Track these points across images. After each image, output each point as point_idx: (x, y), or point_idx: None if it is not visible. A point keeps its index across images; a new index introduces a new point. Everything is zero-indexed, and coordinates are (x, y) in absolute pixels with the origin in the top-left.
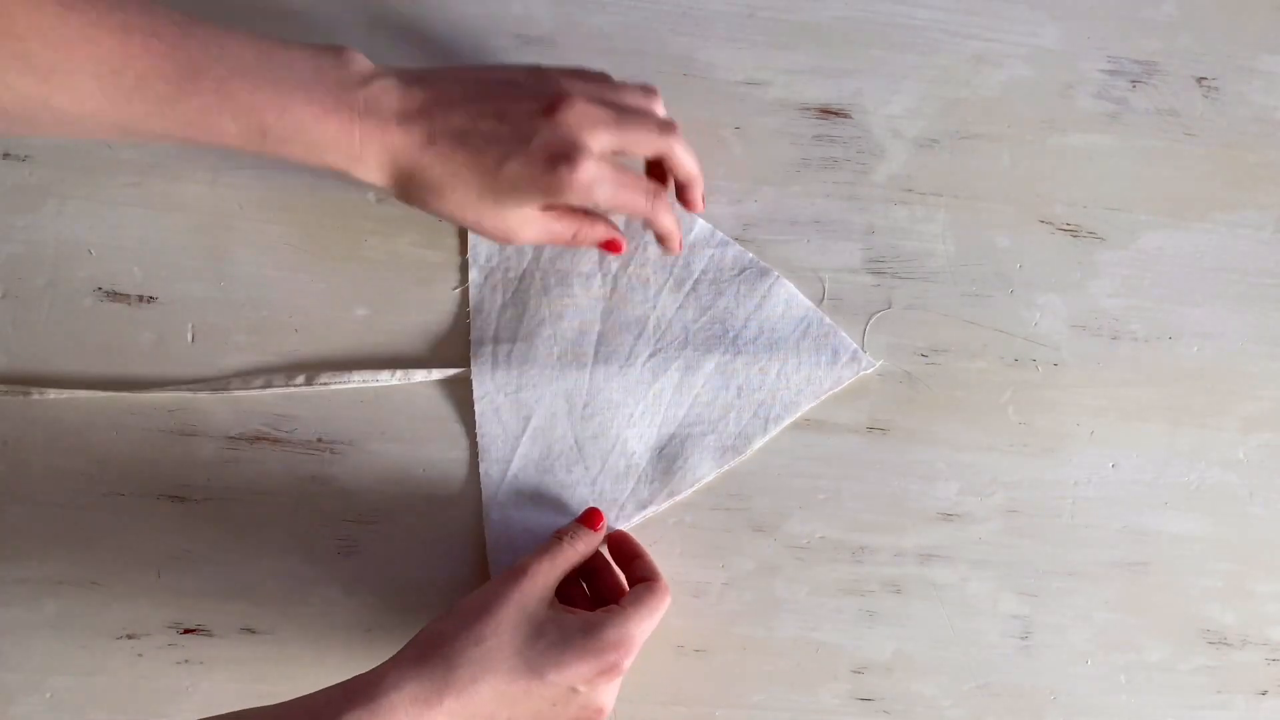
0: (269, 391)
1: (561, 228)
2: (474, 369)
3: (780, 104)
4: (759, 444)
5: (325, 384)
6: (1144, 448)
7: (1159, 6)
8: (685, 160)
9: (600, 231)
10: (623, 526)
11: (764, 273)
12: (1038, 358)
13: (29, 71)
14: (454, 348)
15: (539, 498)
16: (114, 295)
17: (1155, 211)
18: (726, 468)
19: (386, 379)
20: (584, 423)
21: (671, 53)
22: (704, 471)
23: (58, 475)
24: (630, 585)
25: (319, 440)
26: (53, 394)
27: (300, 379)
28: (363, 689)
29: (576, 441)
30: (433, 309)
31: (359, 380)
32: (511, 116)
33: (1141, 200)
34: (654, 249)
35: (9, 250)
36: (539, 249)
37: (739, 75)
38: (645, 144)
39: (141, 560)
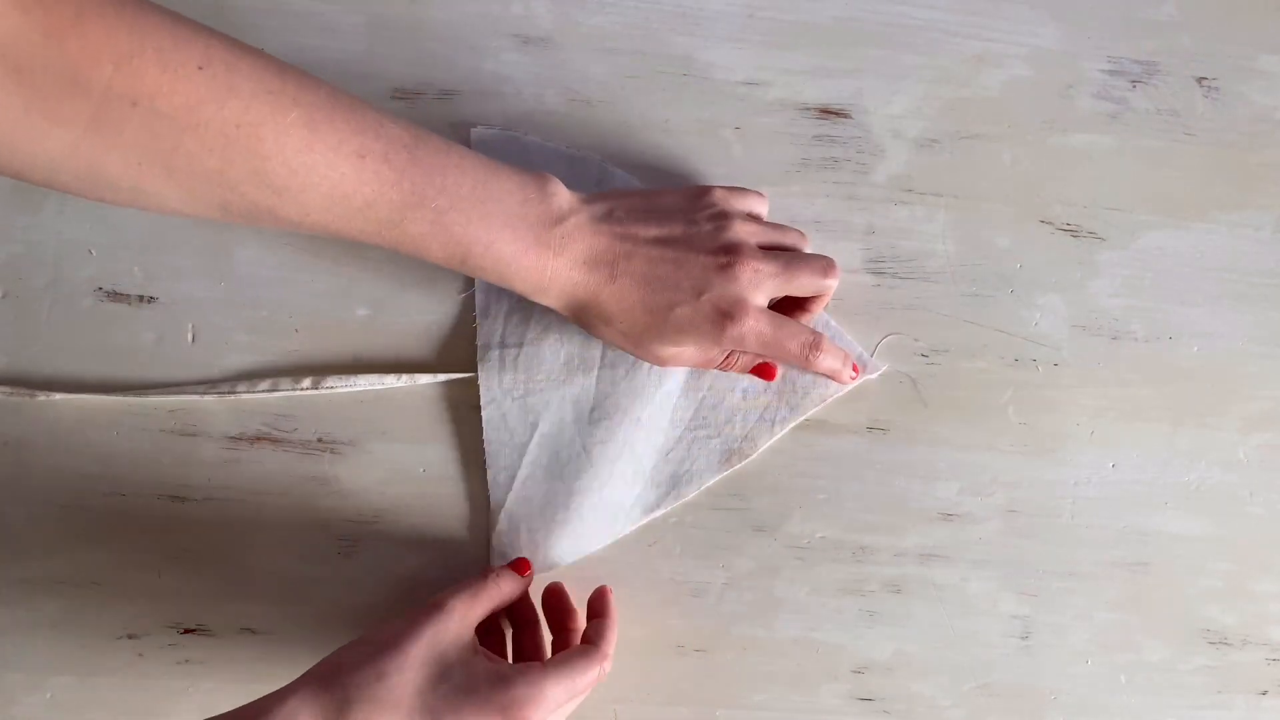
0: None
1: (713, 358)
2: (481, 373)
3: (780, 104)
4: (764, 446)
5: (331, 388)
6: (1144, 448)
7: (1159, 6)
8: (832, 290)
9: (748, 360)
10: (628, 529)
11: None
12: (1038, 358)
13: (263, 186)
14: (456, 349)
15: (547, 504)
16: (114, 295)
17: (1155, 211)
18: (732, 470)
19: (392, 383)
20: (591, 428)
21: (671, 53)
22: (710, 474)
23: (58, 475)
24: (580, 642)
25: (319, 440)
26: (59, 397)
27: (306, 382)
28: (257, 714)
29: (584, 447)
30: (434, 310)
31: (364, 384)
32: (688, 267)
33: (1141, 200)
34: None
35: (9, 250)
36: None
37: (739, 75)
38: (806, 290)
39: (141, 560)
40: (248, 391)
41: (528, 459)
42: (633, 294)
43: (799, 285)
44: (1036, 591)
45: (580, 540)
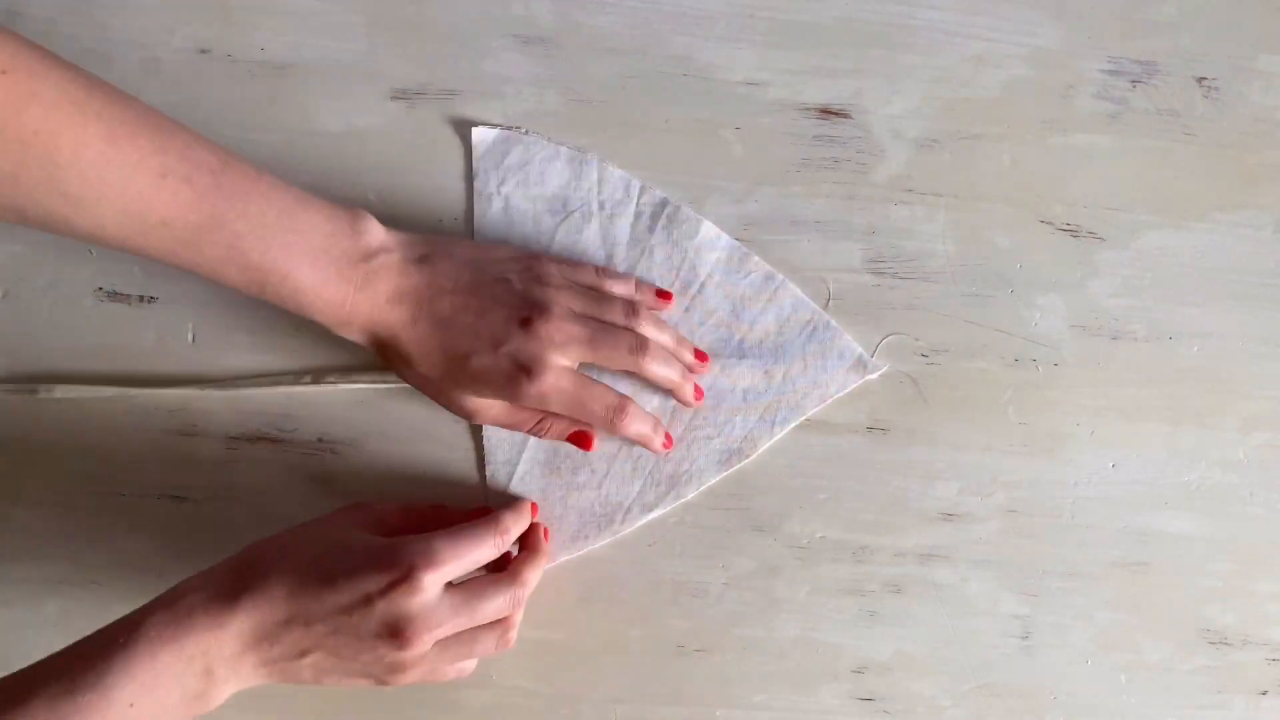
0: (271, 392)
1: (522, 419)
2: None
3: (780, 104)
4: (765, 446)
5: (332, 383)
6: (1144, 448)
7: (1159, 6)
8: (658, 375)
9: (563, 427)
10: (628, 529)
11: (769, 276)
12: (1038, 358)
13: (58, 196)
14: None
15: (545, 501)
16: (114, 295)
17: (1155, 211)
18: (732, 470)
19: (393, 382)
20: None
21: (671, 53)
22: (710, 474)
23: (58, 475)
24: None
25: (319, 440)
26: (60, 391)
27: (306, 379)
28: (169, 593)
29: None
30: None
31: (364, 382)
32: (490, 317)
33: (1141, 200)
34: (659, 253)
35: (10, 250)
36: (543, 252)
37: (739, 75)
38: (615, 364)
39: (142, 560)
40: (249, 386)
41: (526, 455)
42: (432, 338)
43: (604, 357)
44: (1036, 591)
45: (578, 537)
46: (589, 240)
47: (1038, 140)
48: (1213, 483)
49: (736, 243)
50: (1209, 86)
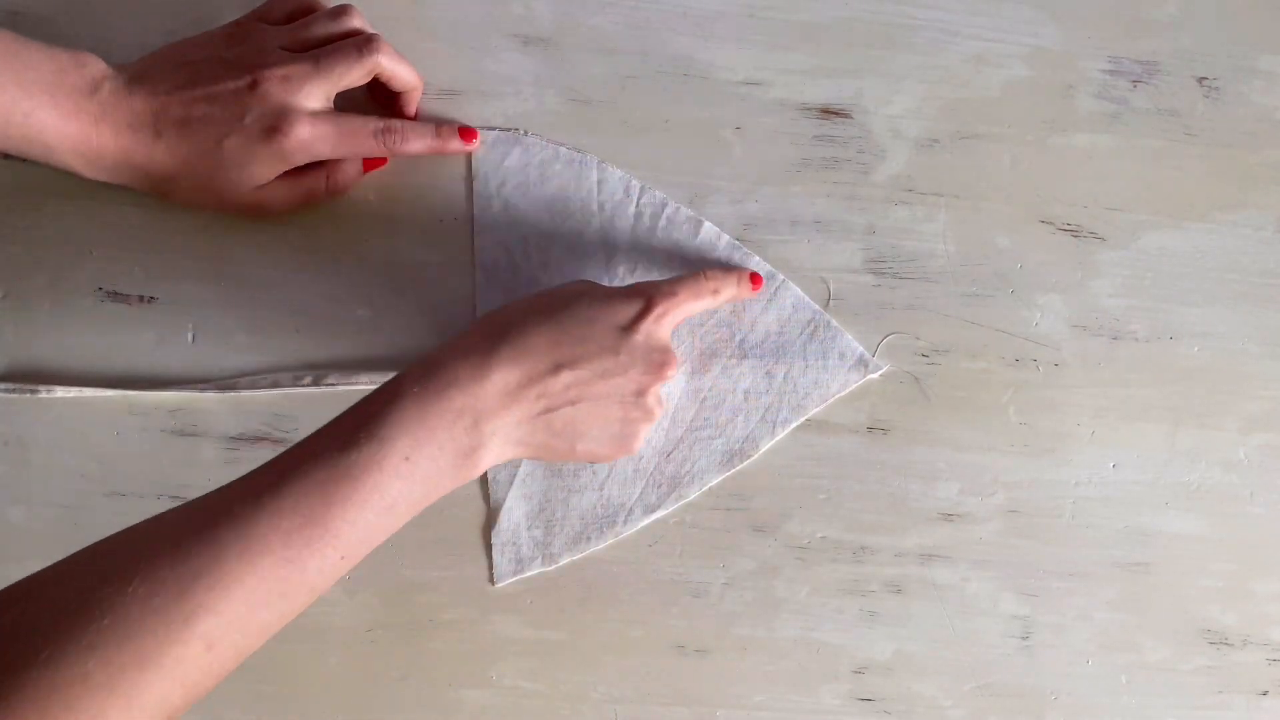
0: (271, 392)
1: (307, 182)
2: None
3: (780, 104)
4: (766, 447)
5: (332, 384)
6: (1144, 448)
7: (1159, 6)
8: (397, 71)
9: (352, 169)
10: (629, 530)
11: (770, 276)
12: (1038, 358)
13: None
14: None
15: (547, 503)
16: (114, 295)
17: (1155, 211)
18: (733, 471)
19: None
20: None
21: (671, 53)
22: (711, 475)
23: (58, 475)
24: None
25: None
26: (60, 391)
27: (307, 379)
28: (422, 361)
29: None
30: (434, 310)
31: (365, 382)
32: (221, 99)
33: (1142, 200)
34: (660, 253)
35: (9, 250)
36: (543, 253)
37: (739, 75)
38: (352, 74)
39: None
40: (249, 387)
41: None
42: (181, 144)
43: (342, 76)
44: (1036, 591)
45: (580, 539)
46: (589, 241)
47: (1038, 140)
48: (1213, 483)
49: (737, 243)
50: (1209, 86)
